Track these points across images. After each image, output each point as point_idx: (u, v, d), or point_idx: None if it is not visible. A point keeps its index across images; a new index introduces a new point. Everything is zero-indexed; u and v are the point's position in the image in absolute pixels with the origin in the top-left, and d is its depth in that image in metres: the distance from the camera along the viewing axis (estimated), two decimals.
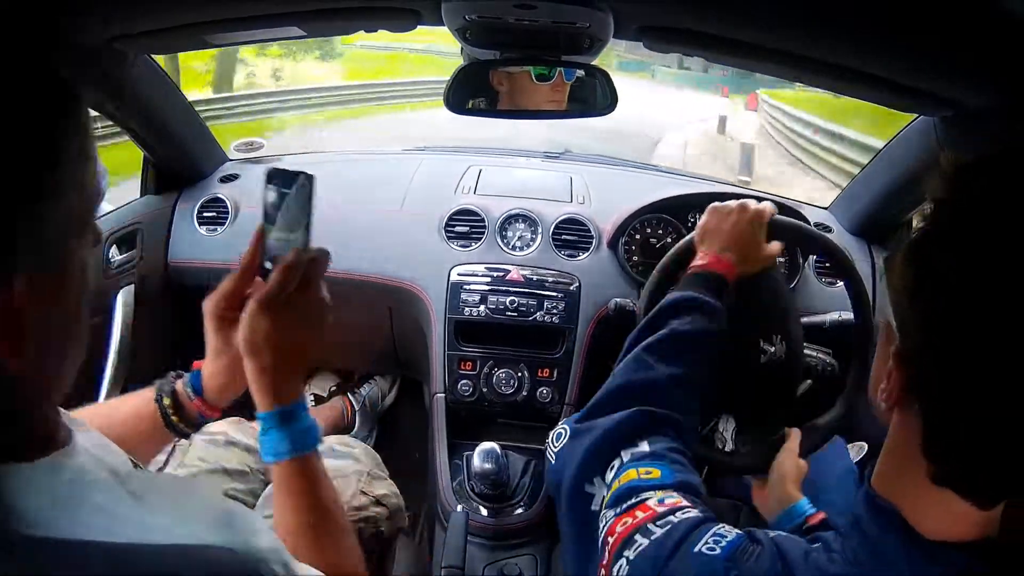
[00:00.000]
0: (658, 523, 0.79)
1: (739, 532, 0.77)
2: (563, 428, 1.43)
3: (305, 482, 0.88)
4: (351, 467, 1.52)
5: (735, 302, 1.20)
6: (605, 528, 0.84)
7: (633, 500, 0.84)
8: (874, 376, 0.74)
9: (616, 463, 0.92)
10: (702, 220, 1.28)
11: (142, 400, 0.97)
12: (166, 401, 0.96)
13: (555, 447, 1.41)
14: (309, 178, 0.89)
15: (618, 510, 0.84)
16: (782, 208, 1.69)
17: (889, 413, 0.71)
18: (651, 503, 0.82)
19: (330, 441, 1.63)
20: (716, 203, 1.28)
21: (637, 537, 0.79)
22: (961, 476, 0.63)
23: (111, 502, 0.58)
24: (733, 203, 1.26)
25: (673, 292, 1.16)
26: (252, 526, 0.65)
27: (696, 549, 0.75)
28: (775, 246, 1.26)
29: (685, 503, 0.82)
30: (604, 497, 0.89)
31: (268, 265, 0.92)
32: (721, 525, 0.79)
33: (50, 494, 0.55)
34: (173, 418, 0.97)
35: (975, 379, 0.59)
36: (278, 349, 0.87)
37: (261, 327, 0.86)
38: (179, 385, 0.98)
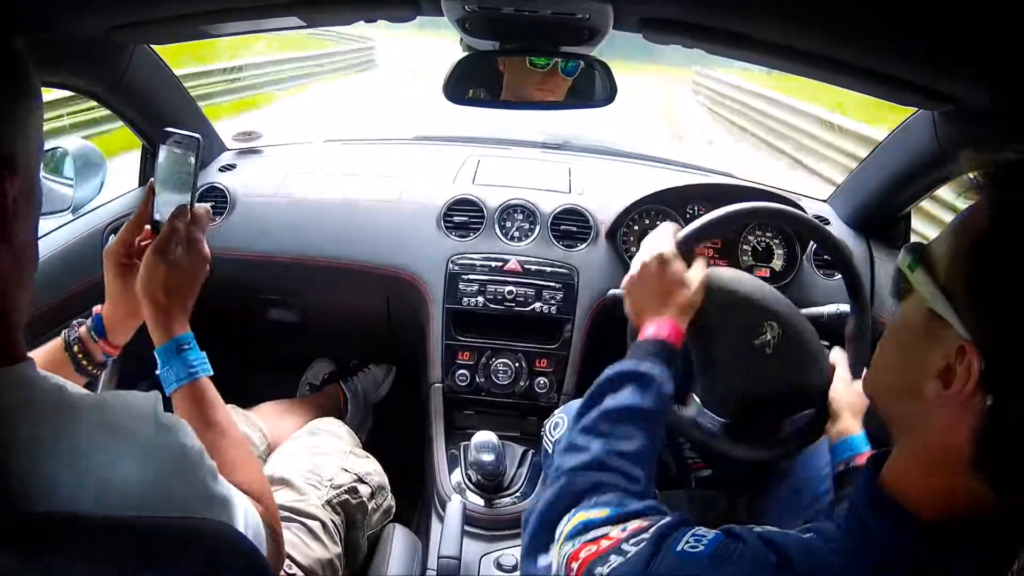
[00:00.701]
0: (630, 542, 0.79)
1: (717, 532, 0.77)
2: (560, 417, 1.44)
3: (203, 403, 1.02)
4: (332, 445, 1.56)
5: (714, 324, 1.22)
6: (565, 559, 0.84)
7: (592, 534, 0.84)
8: (909, 373, 0.70)
9: (563, 520, 0.91)
10: (625, 302, 1.22)
11: (52, 349, 1.09)
12: (75, 348, 1.09)
13: (552, 436, 1.42)
14: (196, 141, 1.03)
15: (576, 542, 0.84)
16: (779, 198, 1.70)
17: (933, 410, 0.67)
18: (613, 533, 0.82)
19: (314, 422, 1.69)
20: (627, 277, 1.22)
21: (611, 557, 0.79)
22: (1012, 468, 0.62)
23: (61, 404, 0.67)
24: (636, 264, 1.20)
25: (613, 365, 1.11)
26: (179, 425, 0.76)
27: (679, 548, 0.75)
28: (698, 267, 1.21)
29: (652, 519, 0.82)
30: (556, 547, 0.89)
31: (158, 217, 1.05)
32: (699, 527, 0.79)
33: (13, 398, 0.65)
34: (83, 361, 1.09)
35: None
36: (170, 290, 1.01)
37: (157, 272, 1.01)
38: (83, 331, 1.10)
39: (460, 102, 1.35)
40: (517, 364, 1.76)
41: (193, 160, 1.03)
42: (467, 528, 1.48)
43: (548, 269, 1.80)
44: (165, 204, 1.04)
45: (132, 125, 1.73)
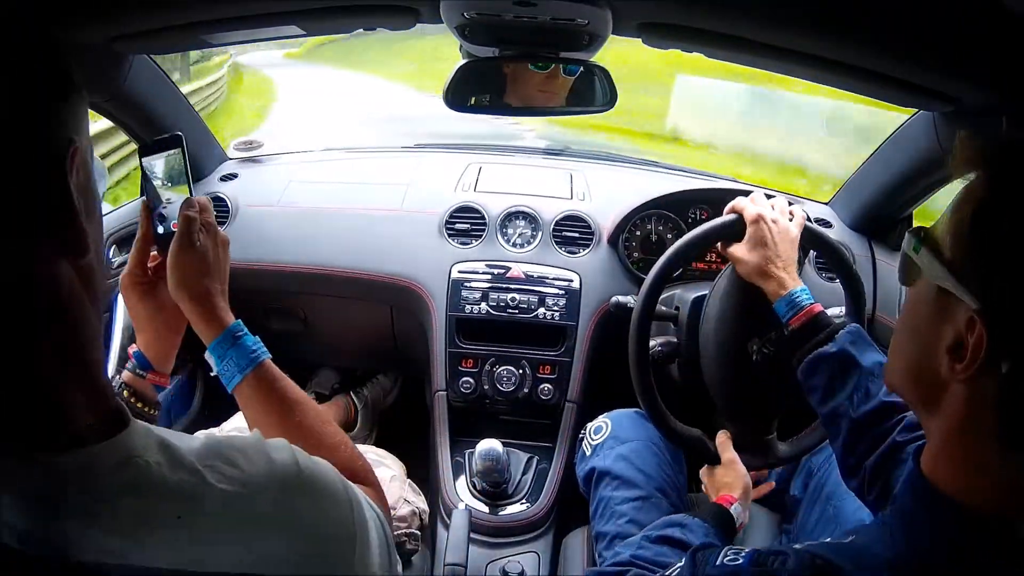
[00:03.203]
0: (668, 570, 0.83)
1: (753, 548, 0.78)
2: (603, 421, 1.46)
3: (274, 387, 0.94)
4: (389, 474, 1.51)
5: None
6: None
7: None
8: (923, 354, 0.69)
9: None
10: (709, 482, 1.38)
11: None
12: (125, 393, 1.02)
13: (592, 439, 1.45)
14: (177, 139, 1.01)
15: None
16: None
17: (942, 393, 0.67)
18: None
19: (361, 449, 1.61)
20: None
21: None
22: None
23: (179, 480, 0.57)
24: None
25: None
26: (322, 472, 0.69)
27: (718, 562, 0.76)
28: (726, 454, 1.37)
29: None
30: None
31: (160, 230, 1.02)
32: (731, 546, 0.80)
33: (111, 485, 0.55)
34: (138, 405, 1.03)
35: None
36: (205, 275, 0.97)
37: (190, 263, 0.96)
38: (125, 375, 1.04)
39: (461, 109, 1.35)
40: (521, 371, 1.75)
41: (180, 156, 1.02)
42: (473, 536, 1.47)
43: (550, 275, 1.79)
44: (164, 213, 1.03)
45: (133, 135, 1.73)
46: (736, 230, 1.32)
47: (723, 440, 1.38)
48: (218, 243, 1.01)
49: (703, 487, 1.38)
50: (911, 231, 0.71)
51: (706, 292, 1.46)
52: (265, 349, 0.97)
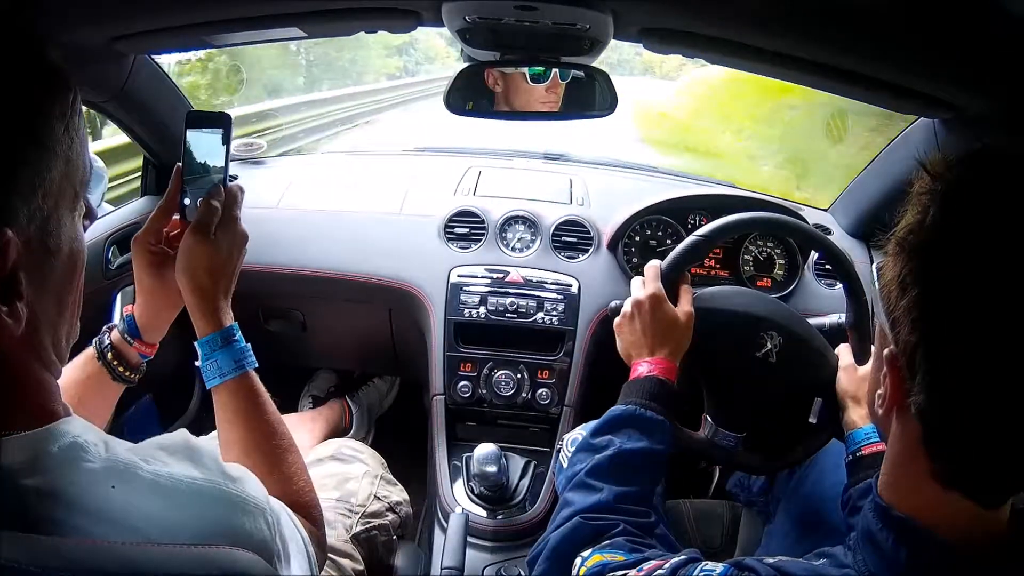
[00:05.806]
0: None
1: (725, 564, 0.78)
2: (579, 434, 1.44)
3: (250, 399, 0.95)
4: (361, 470, 1.51)
5: (712, 346, 1.23)
6: None
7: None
8: (871, 382, 0.73)
9: (578, 561, 0.94)
10: (618, 340, 1.25)
11: (83, 362, 1.02)
12: (108, 356, 1.01)
13: (569, 451, 1.42)
14: (225, 118, 1.00)
15: None
16: (779, 208, 1.70)
17: (888, 420, 0.68)
18: (631, 573, 0.84)
19: (336, 444, 1.62)
20: (616, 318, 1.26)
21: None
22: (967, 475, 0.61)
23: (114, 458, 0.61)
24: (627, 307, 1.24)
25: (616, 406, 1.14)
26: (244, 474, 0.71)
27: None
28: (684, 301, 1.23)
29: (665, 558, 0.84)
30: None
31: (187, 202, 1.00)
32: (707, 562, 0.80)
33: (52, 459, 0.58)
34: (119, 368, 1.02)
35: (975, 374, 0.57)
36: (212, 272, 0.96)
37: (199, 254, 0.96)
38: (114, 336, 1.03)
39: (460, 113, 1.35)
40: (519, 375, 1.75)
41: (222, 138, 1.01)
42: (470, 539, 1.47)
43: (549, 280, 1.79)
44: (195, 187, 1.01)
45: (134, 135, 1.73)
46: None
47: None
48: (235, 239, 1.00)
49: (619, 325, 1.25)
50: (878, 265, 0.72)
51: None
52: (253, 359, 0.97)
